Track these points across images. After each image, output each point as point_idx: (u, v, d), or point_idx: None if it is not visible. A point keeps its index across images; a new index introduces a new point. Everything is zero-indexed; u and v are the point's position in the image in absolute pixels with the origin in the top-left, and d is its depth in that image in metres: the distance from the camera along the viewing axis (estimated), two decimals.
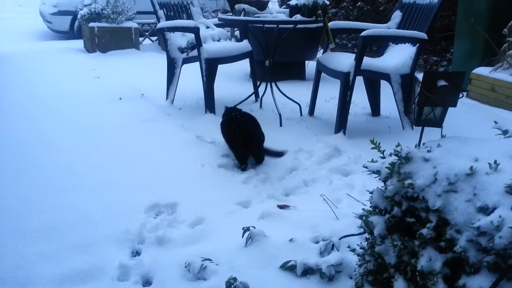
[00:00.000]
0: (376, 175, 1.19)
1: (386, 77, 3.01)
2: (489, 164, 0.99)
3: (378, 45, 4.59)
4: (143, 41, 7.42)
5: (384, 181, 1.16)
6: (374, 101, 3.54)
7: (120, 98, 3.90)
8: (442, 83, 1.31)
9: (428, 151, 1.12)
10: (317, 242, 1.72)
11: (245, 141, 2.51)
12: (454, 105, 1.44)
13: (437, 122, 1.46)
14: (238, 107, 2.70)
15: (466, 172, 1.00)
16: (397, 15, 3.29)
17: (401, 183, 1.08)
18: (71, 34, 8.45)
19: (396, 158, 1.13)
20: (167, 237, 1.81)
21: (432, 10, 2.90)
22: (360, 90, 3.34)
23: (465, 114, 3.44)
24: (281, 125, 3.22)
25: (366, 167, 1.20)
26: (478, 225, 0.92)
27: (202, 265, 1.58)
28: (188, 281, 1.57)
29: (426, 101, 1.33)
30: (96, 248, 1.73)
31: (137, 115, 3.37)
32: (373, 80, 3.43)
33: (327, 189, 2.23)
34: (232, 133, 2.54)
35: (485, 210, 0.94)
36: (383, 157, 1.21)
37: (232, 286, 1.44)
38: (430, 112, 1.38)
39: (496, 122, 1.26)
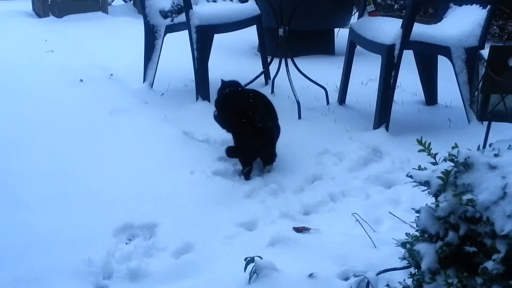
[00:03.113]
0: (425, 188, 1.20)
1: (446, 51, 3.02)
2: None
3: (435, 6, 4.58)
4: (112, 1, 7.47)
5: (436, 196, 1.18)
6: (428, 84, 3.55)
7: (81, 80, 3.93)
8: None
9: (496, 155, 1.13)
10: (346, 279, 1.74)
11: (257, 130, 2.50)
12: None
13: (510, 115, 1.46)
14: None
15: None
16: None
17: (458, 198, 1.10)
18: None
19: (452, 164, 1.14)
20: (143, 269, 1.83)
21: None
22: (409, 69, 3.34)
23: None
24: (300, 117, 3.25)
25: (411, 177, 1.22)
26: None
27: None
28: None
29: (493, 86, 1.34)
30: (47, 283, 1.75)
31: (104, 103, 3.39)
32: (427, 56, 3.43)
33: (362, 205, 2.25)
34: (241, 115, 2.54)
35: None
36: (435, 163, 1.22)
37: None
38: (500, 101, 1.38)
39: None
